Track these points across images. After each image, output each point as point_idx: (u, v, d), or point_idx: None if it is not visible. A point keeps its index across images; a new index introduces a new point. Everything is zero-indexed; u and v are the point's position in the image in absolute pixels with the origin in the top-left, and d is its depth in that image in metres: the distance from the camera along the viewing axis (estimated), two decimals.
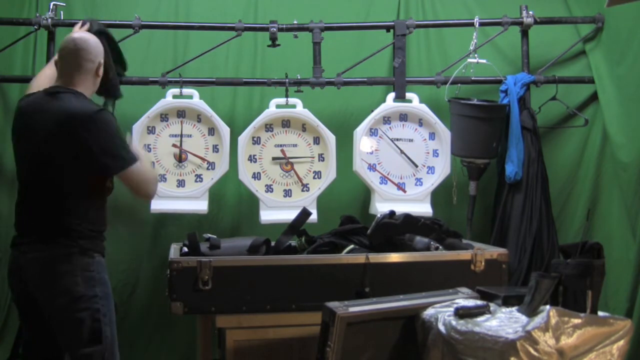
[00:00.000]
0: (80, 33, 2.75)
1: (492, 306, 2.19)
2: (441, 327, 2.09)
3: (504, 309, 2.17)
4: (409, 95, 3.60)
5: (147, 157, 3.09)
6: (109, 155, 2.50)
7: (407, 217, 2.95)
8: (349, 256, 2.79)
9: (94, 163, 2.50)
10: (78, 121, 2.48)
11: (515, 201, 3.60)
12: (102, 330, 2.49)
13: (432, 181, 3.58)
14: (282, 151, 3.51)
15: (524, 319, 2.05)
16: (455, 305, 2.17)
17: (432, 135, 3.60)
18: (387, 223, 2.91)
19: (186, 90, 3.49)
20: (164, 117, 3.45)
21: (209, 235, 2.96)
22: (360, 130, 3.52)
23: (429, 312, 2.20)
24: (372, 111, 3.57)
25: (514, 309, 2.16)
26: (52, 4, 3.52)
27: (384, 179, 3.57)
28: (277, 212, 3.43)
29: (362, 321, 2.16)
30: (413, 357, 2.20)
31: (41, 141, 2.51)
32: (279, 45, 3.54)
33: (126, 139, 2.65)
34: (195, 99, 3.48)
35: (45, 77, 2.85)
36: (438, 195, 3.67)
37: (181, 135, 3.45)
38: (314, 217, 3.21)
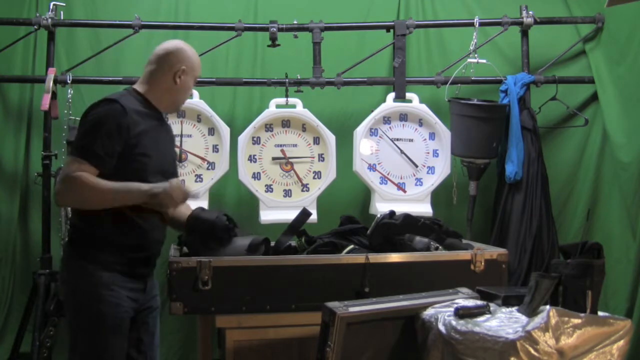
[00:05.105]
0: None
1: (492, 306, 2.19)
2: (441, 327, 2.09)
3: (504, 309, 2.17)
4: (409, 95, 3.60)
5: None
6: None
7: (407, 217, 2.94)
8: (349, 256, 2.79)
9: None
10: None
11: (515, 201, 3.60)
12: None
13: (432, 181, 3.58)
14: (282, 151, 3.51)
15: (524, 319, 2.05)
16: (455, 306, 2.16)
17: (432, 135, 3.60)
18: (387, 223, 2.90)
19: None
20: None
21: None
22: (360, 130, 3.52)
23: (429, 312, 2.20)
24: (372, 111, 3.57)
25: (514, 309, 2.16)
26: (52, 4, 3.52)
27: (384, 179, 3.57)
28: (277, 212, 3.43)
29: (362, 321, 2.16)
30: (413, 357, 2.20)
31: None
32: (279, 45, 3.55)
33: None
34: (195, 99, 3.48)
35: None
36: (438, 195, 3.67)
37: (181, 135, 3.45)
38: (314, 217, 3.21)
